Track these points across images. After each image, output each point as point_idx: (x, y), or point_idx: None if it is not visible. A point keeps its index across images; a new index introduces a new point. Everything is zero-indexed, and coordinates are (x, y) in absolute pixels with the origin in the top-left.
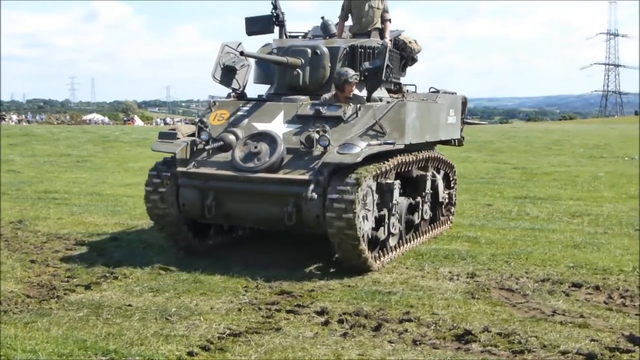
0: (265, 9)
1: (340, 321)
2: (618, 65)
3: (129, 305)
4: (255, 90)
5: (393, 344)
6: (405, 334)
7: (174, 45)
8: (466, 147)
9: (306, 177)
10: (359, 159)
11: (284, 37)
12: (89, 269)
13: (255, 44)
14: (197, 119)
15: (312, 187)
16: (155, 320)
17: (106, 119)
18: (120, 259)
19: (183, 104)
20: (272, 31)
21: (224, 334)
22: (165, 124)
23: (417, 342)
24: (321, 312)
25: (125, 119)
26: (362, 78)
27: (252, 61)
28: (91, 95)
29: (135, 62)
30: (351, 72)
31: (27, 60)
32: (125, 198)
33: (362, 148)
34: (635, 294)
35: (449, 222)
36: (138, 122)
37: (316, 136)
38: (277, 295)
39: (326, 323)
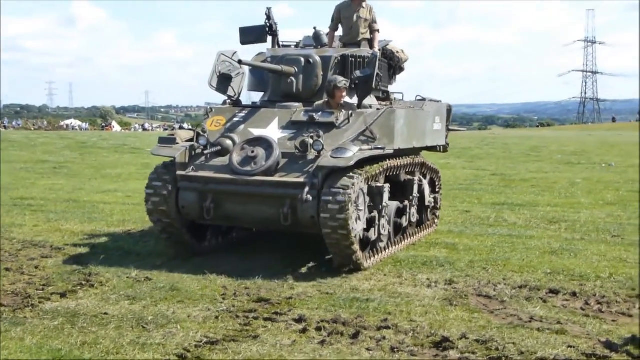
0: (243, 16)
1: (318, 329)
2: (596, 73)
3: (105, 313)
4: (249, 97)
5: (371, 352)
6: (383, 341)
7: (153, 50)
8: (445, 154)
9: (301, 179)
10: (352, 163)
11: (277, 47)
12: (64, 277)
13: (249, 53)
14: (181, 125)
15: (307, 189)
16: (131, 329)
17: (84, 125)
18: (97, 266)
19: (162, 110)
20: (265, 41)
21: (201, 342)
22: (144, 129)
23: (395, 350)
24: (299, 320)
25: (103, 124)
26: (353, 86)
27: (246, 69)
28: (69, 101)
29: (114, 67)
30: (340, 78)
31: (3, 64)
32: (103, 205)
33: (354, 152)
34: (611, 300)
35: (434, 226)
36: (116, 127)
37: (310, 141)
38: (255, 303)
39: (304, 331)
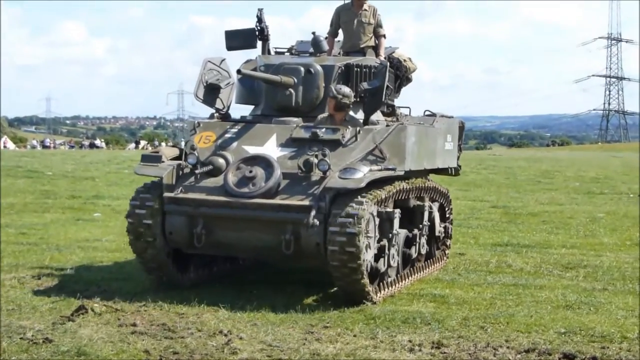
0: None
1: None
2: (622, 79)
3: None
4: (237, 111)
5: None
6: None
7: (56, 46)
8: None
9: (306, 202)
10: (363, 184)
11: (267, 53)
12: None
13: (232, 60)
14: (92, 141)
15: (313, 213)
16: None
17: None
18: None
19: (68, 122)
20: (254, 46)
21: None
22: (45, 147)
23: None
24: None
25: None
26: (358, 99)
27: (235, 79)
28: None
29: (5, 66)
30: (344, 88)
31: None
32: None
33: (364, 173)
34: None
35: (444, 259)
36: (9, 144)
37: (315, 160)
38: None
39: None
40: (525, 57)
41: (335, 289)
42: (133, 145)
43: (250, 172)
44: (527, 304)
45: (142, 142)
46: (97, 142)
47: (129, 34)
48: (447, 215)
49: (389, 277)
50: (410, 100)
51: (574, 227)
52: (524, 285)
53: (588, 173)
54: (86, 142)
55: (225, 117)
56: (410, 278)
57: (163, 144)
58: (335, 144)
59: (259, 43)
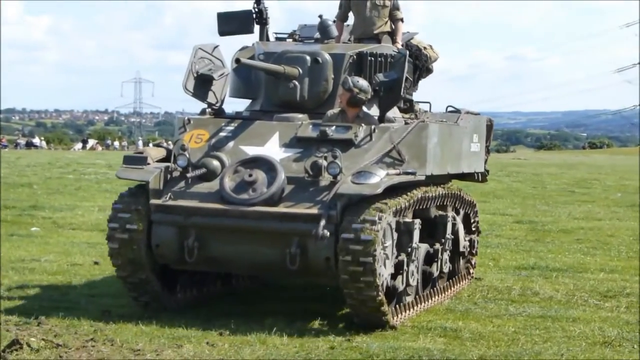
0: None
1: None
2: None
3: None
4: (229, 105)
5: None
6: None
7: None
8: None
9: (314, 211)
10: (379, 190)
11: (266, 39)
12: None
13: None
14: (29, 139)
15: (323, 222)
16: None
17: None
18: None
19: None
20: (251, 31)
21: None
22: None
23: None
24: None
25: None
26: (372, 93)
27: (229, 69)
28: None
29: None
30: (362, 81)
31: None
32: None
33: (381, 178)
34: None
35: (469, 278)
36: None
37: (324, 163)
38: None
39: None
40: (557, 42)
41: (323, 320)
42: (80, 144)
43: (250, 176)
44: (558, 340)
45: (91, 141)
46: (36, 140)
47: (74, 12)
48: (473, 228)
49: (408, 296)
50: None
51: (614, 247)
52: (554, 317)
53: (633, 182)
54: (22, 141)
55: (218, 112)
56: (431, 300)
57: (116, 143)
58: (346, 144)
59: (257, 28)
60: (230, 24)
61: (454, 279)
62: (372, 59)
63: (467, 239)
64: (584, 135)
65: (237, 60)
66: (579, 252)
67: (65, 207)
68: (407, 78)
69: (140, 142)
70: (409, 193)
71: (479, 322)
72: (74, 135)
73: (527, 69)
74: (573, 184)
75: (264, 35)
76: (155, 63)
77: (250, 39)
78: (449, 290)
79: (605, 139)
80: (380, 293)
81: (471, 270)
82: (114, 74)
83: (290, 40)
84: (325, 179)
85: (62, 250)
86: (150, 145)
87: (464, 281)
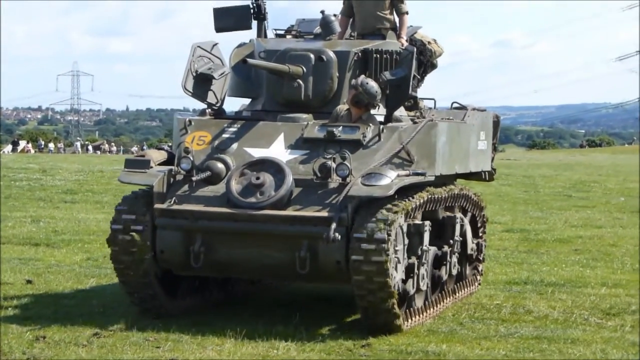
0: None
1: None
2: None
3: None
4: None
5: None
6: None
7: None
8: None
9: (324, 213)
10: (391, 192)
11: (264, 35)
12: None
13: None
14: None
15: (334, 225)
16: None
17: None
18: None
19: None
20: (249, 27)
21: None
22: None
23: None
24: None
25: None
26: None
27: (229, 67)
28: None
29: None
30: (371, 83)
31: None
32: None
33: (392, 179)
34: None
35: (476, 283)
36: None
37: (333, 164)
38: None
39: None
40: (549, 27)
41: (310, 341)
42: (9, 147)
43: (258, 178)
44: None
45: (22, 143)
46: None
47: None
48: (481, 233)
49: (417, 301)
50: None
51: (617, 258)
52: (550, 338)
53: (637, 184)
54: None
55: (219, 113)
56: (440, 304)
57: (51, 144)
58: (354, 145)
59: (254, 23)
60: (227, 19)
61: (460, 282)
62: (378, 56)
63: (475, 242)
64: (581, 132)
65: (244, 61)
66: (577, 264)
67: None
68: (414, 76)
69: (78, 144)
70: (418, 194)
71: (465, 344)
72: (3, 136)
73: (514, 56)
74: (569, 187)
75: (262, 32)
76: (94, 51)
77: (247, 35)
78: (458, 294)
79: (606, 136)
80: (393, 295)
81: (478, 277)
82: (48, 65)
83: (290, 36)
84: (334, 181)
85: None
86: (90, 147)
87: (470, 286)
